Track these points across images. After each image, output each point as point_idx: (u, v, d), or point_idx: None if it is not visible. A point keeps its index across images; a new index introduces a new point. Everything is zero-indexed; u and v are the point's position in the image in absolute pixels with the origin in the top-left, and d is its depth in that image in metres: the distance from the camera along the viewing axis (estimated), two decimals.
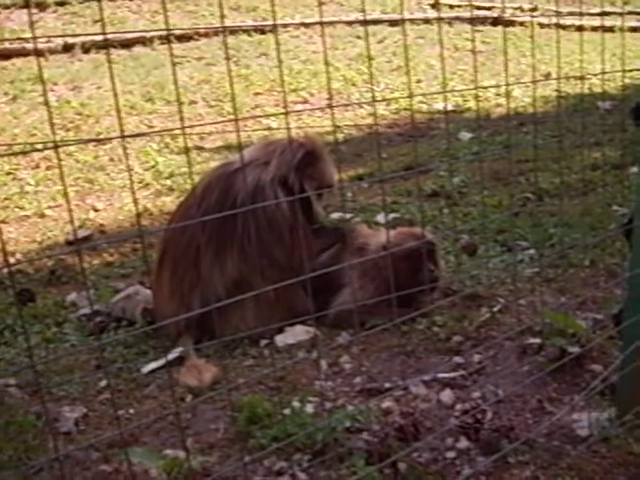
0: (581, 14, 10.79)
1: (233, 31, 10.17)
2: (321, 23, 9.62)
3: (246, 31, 10.31)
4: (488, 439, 2.13)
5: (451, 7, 11.96)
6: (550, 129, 6.30)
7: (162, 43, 9.83)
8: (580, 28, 9.92)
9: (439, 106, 7.70)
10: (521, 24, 11.26)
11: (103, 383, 2.83)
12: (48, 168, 6.37)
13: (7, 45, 9.26)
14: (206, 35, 10.11)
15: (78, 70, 9.05)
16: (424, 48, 10.14)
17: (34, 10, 10.52)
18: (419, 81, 8.76)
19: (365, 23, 10.25)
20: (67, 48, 9.50)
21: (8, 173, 6.34)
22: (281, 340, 3.05)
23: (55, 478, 2.12)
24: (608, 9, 11.20)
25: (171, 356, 2.94)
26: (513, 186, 4.93)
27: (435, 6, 11.79)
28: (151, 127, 7.48)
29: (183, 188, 5.59)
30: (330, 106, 1.89)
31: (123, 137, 1.25)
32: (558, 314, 2.69)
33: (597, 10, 10.88)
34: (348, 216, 4.53)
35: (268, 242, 3.15)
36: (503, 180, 5.09)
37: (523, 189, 4.85)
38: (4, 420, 2.43)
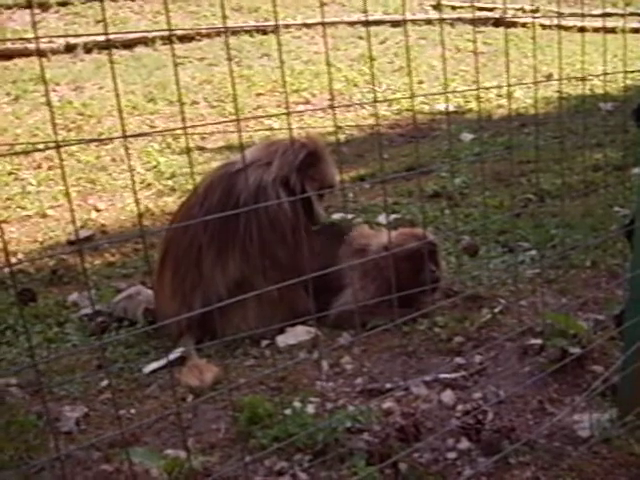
0: (583, 15, 10.78)
1: (235, 32, 10.17)
2: (323, 24, 9.63)
3: (248, 32, 10.31)
4: (489, 440, 2.13)
5: (453, 8, 11.96)
6: (552, 130, 6.30)
7: (164, 43, 9.84)
8: (582, 29, 9.90)
9: (441, 107, 7.70)
10: (523, 25, 11.26)
11: (104, 383, 2.83)
12: (50, 168, 6.38)
13: (9, 45, 9.27)
14: (208, 36, 10.12)
15: (80, 70, 9.06)
16: (426, 49, 10.15)
17: (36, 10, 10.53)
18: (421, 82, 8.76)
19: (367, 24, 10.24)
20: (69, 48, 9.51)
21: (10, 173, 6.34)
22: (282, 340, 3.05)
23: (56, 478, 2.12)
24: (610, 10, 11.18)
25: (172, 356, 2.94)
26: (514, 187, 4.93)
27: (437, 7, 11.79)
28: (153, 127, 7.49)
29: (185, 188, 5.59)
30: (332, 107, 1.89)
31: (125, 137, 1.26)
32: (559, 315, 2.69)
33: (599, 11, 10.88)
34: (349, 217, 4.54)
35: (270, 242, 3.15)
36: (504, 181, 5.09)
37: (524, 190, 4.85)
38: (5, 420, 2.43)
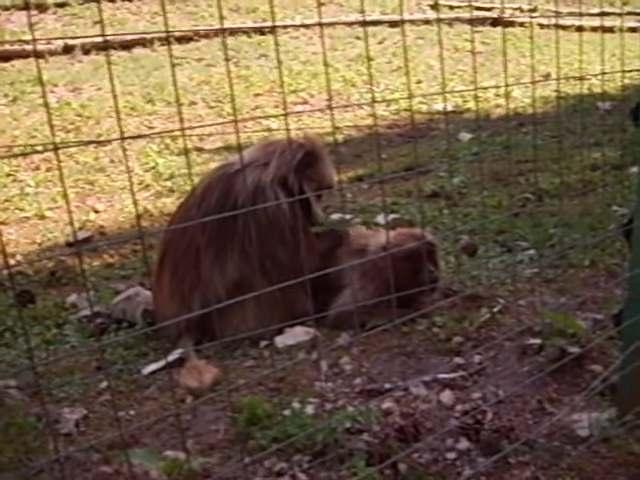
0: (580, 14, 10.80)
1: (233, 32, 10.18)
2: (320, 24, 9.63)
3: (246, 32, 10.32)
4: (488, 440, 2.13)
5: (451, 8, 11.97)
6: (550, 129, 6.30)
7: (162, 44, 9.85)
8: (579, 28, 9.92)
9: (439, 107, 7.70)
10: (521, 25, 11.27)
11: (103, 384, 2.83)
12: (48, 170, 6.38)
13: (7, 47, 9.27)
14: (206, 36, 10.13)
15: (78, 71, 9.06)
16: (424, 49, 10.15)
17: (34, 12, 10.53)
18: (419, 82, 8.77)
19: (364, 24, 10.25)
20: (67, 50, 9.52)
21: (8, 175, 6.34)
22: (281, 341, 3.05)
23: None
24: (607, 9, 11.21)
25: (171, 357, 2.94)
26: (513, 186, 4.93)
27: (435, 7, 11.80)
28: (151, 128, 7.49)
29: (183, 189, 5.59)
30: (330, 107, 1.89)
31: (123, 139, 1.26)
32: (558, 314, 2.69)
33: (596, 10, 10.88)
34: (348, 217, 4.54)
35: (269, 243, 3.15)
36: (503, 180, 5.09)
37: (523, 189, 4.85)
38: (4, 422, 2.43)
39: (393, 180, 5.37)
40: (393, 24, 10.90)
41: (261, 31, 10.36)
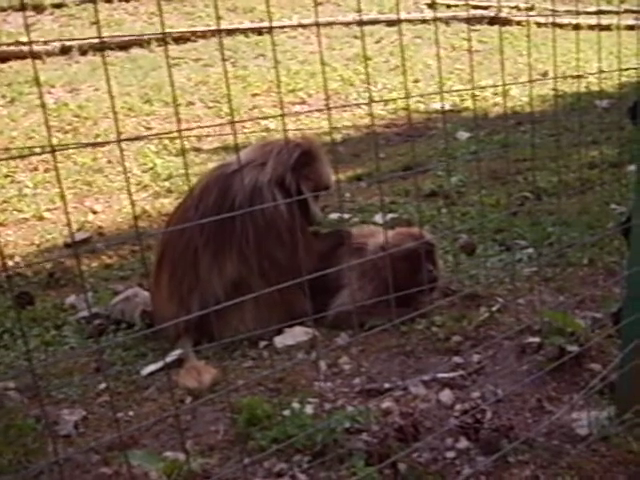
0: (577, 13, 10.80)
1: (230, 32, 10.17)
2: (317, 25, 9.63)
3: (243, 32, 10.32)
4: (488, 439, 2.13)
5: (448, 7, 11.97)
6: (548, 128, 6.31)
7: (159, 45, 9.85)
8: (577, 27, 9.91)
9: (437, 106, 7.70)
10: (518, 23, 11.27)
11: (102, 386, 2.83)
12: (46, 170, 6.37)
13: (4, 48, 9.26)
14: (203, 36, 10.12)
15: (76, 72, 9.05)
16: (421, 48, 10.15)
17: (31, 12, 10.52)
18: (417, 81, 8.77)
19: (362, 23, 10.25)
20: (64, 50, 9.51)
21: (6, 176, 6.33)
22: (280, 341, 3.05)
23: None
24: (604, 7, 11.21)
25: (170, 358, 2.94)
26: (511, 185, 4.94)
27: (432, 6, 11.80)
28: (149, 129, 7.48)
29: (181, 190, 5.59)
30: (327, 107, 1.89)
31: (119, 141, 1.25)
32: (557, 313, 2.69)
33: (593, 9, 10.89)
34: (346, 216, 4.54)
35: (267, 243, 3.15)
36: (501, 179, 5.09)
37: (521, 188, 4.85)
38: (3, 424, 2.43)
39: (391, 179, 5.37)
40: (390, 23, 10.90)
41: (259, 31, 10.36)
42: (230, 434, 2.32)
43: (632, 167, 4.69)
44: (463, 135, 6.46)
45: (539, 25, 10.93)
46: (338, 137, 6.98)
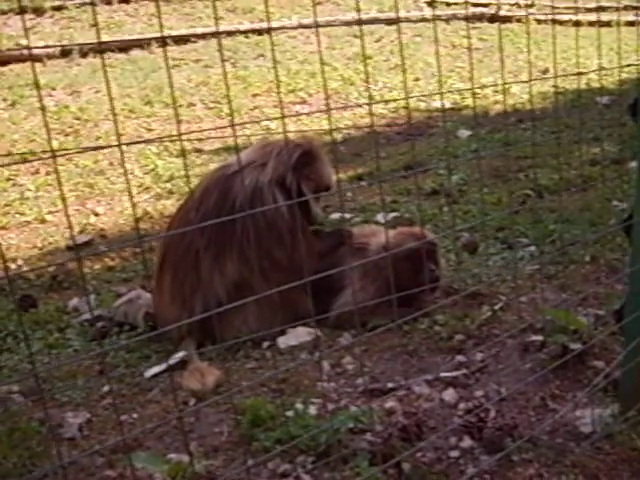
0: (577, 9, 10.78)
1: (230, 33, 10.17)
2: (316, 26, 9.63)
3: (243, 32, 10.32)
4: (492, 438, 2.13)
5: (448, 5, 11.96)
6: (548, 125, 6.30)
7: (160, 46, 9.84)
8: (577, 23, 9.91)
9: (437, 104, 7.70)
10: (518, 20, 11.25)
11: (106, 388, 2.83)
12: (48, 173, 6.38)
13: (5, 51, 9.27)
14: (203, 37, 10.12)
15: (76, 75, 9.05)
16: (421, 46, 10.14)
17: (31, 15, 10.53)
18: (417, 79, 8.76)
19: (361, 22, 10.24)
20: (65, 53, 9.51)
21: (8, 179, 6.34)
22: (283, 342, 3.05)
23: None
24: (604, 4, 11.17)
25: (173, 360, 2.94)
26: (512, 183, 4.93)
27: (431, 4, 11.79)
28: (150, 130, 7.48)
29: (183, 191, 5.59)
30: (328, 109, 1.89)
31: (120, 145, 1.26)
32: (559, 311, 2.69)
33: (593, 5, 10.86)
34: (347, 216, 4.54)
35: (268, 244, 3.15)
36: (502, 177, 5.09)
37: (522, 186, 4.85)
38: (8, 427, 2.43)
39: (392, 178, 5.37)
40: (390, 22, 10.88)
41: (258, 31, 10.36)
42: (234, 435, 2.32)
43: (633, 164, 4.67)
44: (464, 133, 6.45)
45: (539, 22, 10.91)
46: (339, 137, 6.98)
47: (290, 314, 3.10)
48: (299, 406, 2.34)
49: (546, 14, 10.82)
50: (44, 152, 6.33)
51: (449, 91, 8.05)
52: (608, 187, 4.55)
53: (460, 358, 2.69)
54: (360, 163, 6.14)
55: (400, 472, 2.03)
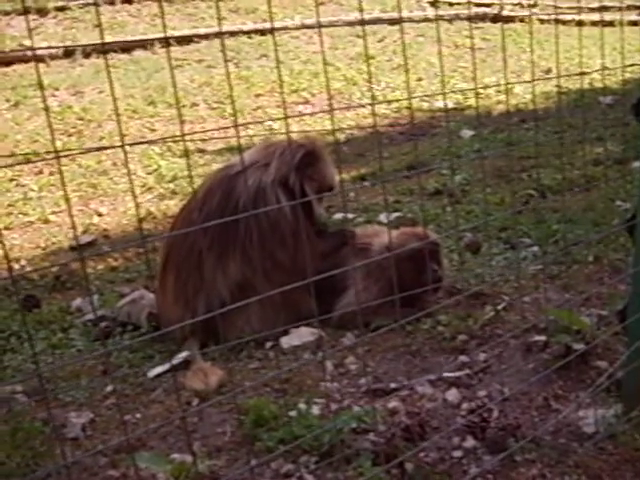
0: (580, 9, 10.77)
1: (233, 33, 10.18)
2: (319, 26, 9.63)
3: (246, 33, 10.32)
4: (494, 438, 2.13)
5: (450, 5, 11.95)
6: (551, 125, 6.29)
7: (163, 46, 9.85)
8: (580, 23, 9.90)
9: (440, 104, 7.69)
10: (521, 20, 11.24)
11: (109, 388, 2.84)
12: (51, 174, 6.39)
13: (8, 51, 9.29)
14: (206, 37, 10.12)
15: (79, 75, 9.07)
16: (424, 46, 10.14)
17: (34, 16, 10.54)
18: (420, 79, 8.76)
19: (364, 23, 10.24)
20: (68, 53, 9.53)
21: (11, 179, 6.35)
22: (286, 342, 3.05)
23: None
24: (607, 3, 11.15)
25: (176, 360, 2.94)
26: (515, 183, 4.93)
27: (434, 4, 11.78)
28: (153, 130, 7.49)
29: (186, 191, 5.59)
30: (331, 109, 1.89)
31: (123, 146, 1.26)
32: (563, 311, 2.69)
33: (596, 4, 10.85)
34: (350, 216, 4.54)
35: (271, 244, 3.15)
36: (505, 177, 5.09)
37: (525, 186, 4.85)
38: (11, 427, 2.44)
39: (395, 178, 5.37)
40: (393, 22, 10.88)
41: (261, 31, 10.36)
42: (237, 435, 2.33)
43: (637, 163, 4.69)
44: (467, 133, 6.45)
45: (542, 22, 10.91)
46: (342, 137, 6.98)
47: (293, 314, 3.10)
48: (302, 406, 2.34)
49: (549, 14, 10.81)
50: (47, 152, 6.34)
51: (452, 91, 8.05)
52: (611, 187, 4.54)
53: (463, 358, 2.69)
54: (363, 163, 6.14)
55: (403, 472, 2.03)
